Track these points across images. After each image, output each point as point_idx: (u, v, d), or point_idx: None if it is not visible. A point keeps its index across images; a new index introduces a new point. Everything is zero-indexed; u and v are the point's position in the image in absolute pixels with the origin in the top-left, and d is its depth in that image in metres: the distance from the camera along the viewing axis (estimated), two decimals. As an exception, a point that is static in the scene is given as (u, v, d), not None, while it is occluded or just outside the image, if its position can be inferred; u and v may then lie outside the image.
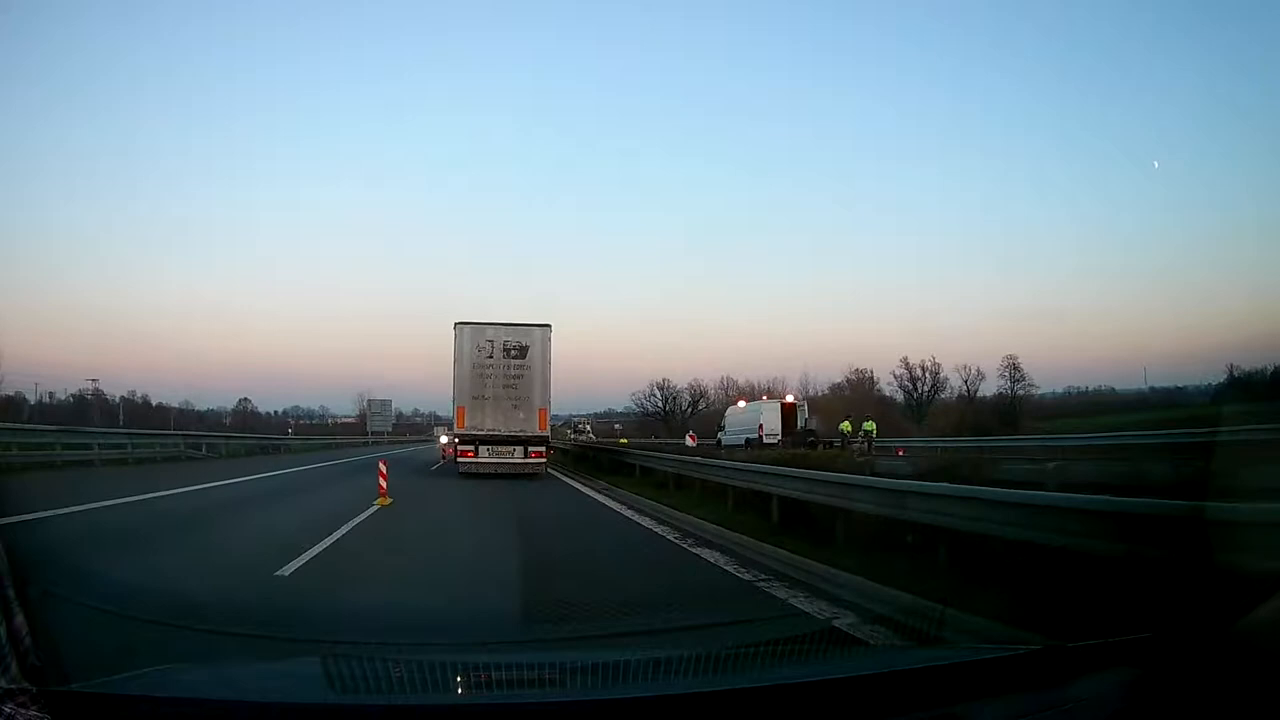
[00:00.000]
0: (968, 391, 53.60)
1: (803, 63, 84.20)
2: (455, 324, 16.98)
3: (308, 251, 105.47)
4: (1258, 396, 26.77)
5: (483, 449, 16.54)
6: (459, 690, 2.05)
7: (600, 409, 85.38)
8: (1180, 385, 41.23)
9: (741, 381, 70.15)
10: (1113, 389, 49.66)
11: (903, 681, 1.82)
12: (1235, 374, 35.26)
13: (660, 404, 76.71)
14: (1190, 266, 65.84)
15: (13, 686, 1.39)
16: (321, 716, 1.65)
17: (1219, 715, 1.58)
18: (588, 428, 56.08)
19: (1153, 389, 43.95)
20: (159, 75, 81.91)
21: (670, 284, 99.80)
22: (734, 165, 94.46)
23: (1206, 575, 3.26)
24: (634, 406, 78.39)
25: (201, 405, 73.55)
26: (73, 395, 60.22)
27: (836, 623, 4.33)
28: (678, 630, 3.98)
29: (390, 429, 58.04)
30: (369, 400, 59.22)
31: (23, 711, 1.36)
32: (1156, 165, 60.87)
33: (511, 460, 16.48)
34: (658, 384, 77.61)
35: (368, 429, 56.29)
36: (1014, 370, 52.58)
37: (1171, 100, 63.97)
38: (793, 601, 5.07)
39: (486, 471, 16.16)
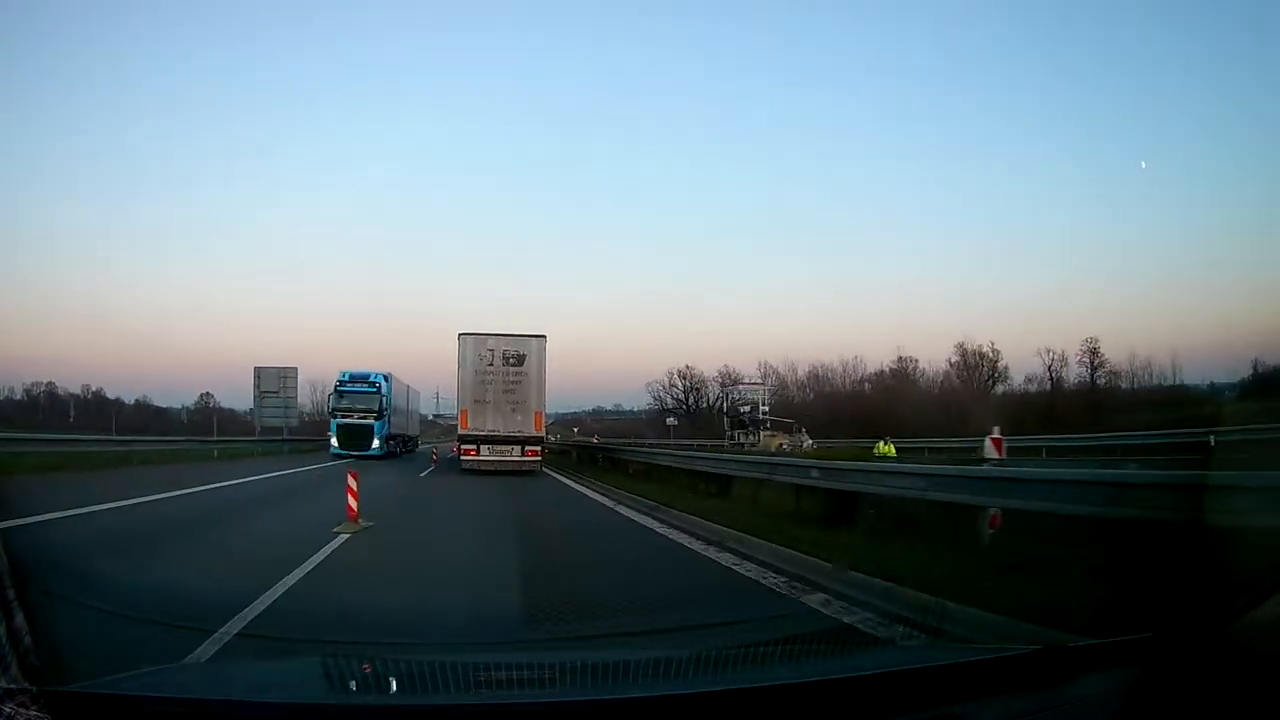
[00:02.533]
0: (1052, 378, 43.34)
1: (819, 49, 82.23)
2: (459, 334, 18.66)
3: (291, 246, 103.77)
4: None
5: (484, 448, 18.16)
6: (460, 690, 2.05)
7: (602, 406, 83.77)
8: (1208, 382, 38.09)
9: (785, 370, 59.82)
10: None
11: (903, 681, 1.82)
12: (1259, 369, 31.77)
13: (682, 395, 64.48)
14: (1209, 261, 62.65)
15: (13, 686, 1.40)
16: (321, 716, 1.65)
17: (1219, 715, 1.58)
18: (763, 410, 34.92)
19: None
20: (143, 72, 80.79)
21: (693, 274, 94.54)
22: (753, 153, 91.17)
23: (1205, 540, 3.37)
24: (651, 401, 65.85)
25: (174, 402, 66.25)
26: (26, 391, 56.77)
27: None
28: (679, 630, 3.98)
29: (294, 423, 35.77)
30: (257, 370, 34.97)
31: (23, 711, 1.36)
32: (1143, 165, 59.78)
33: (510, 458, 18.11)
34: (679, 371, 64.59)
35: (256, 426, 34.55)
36: (1094, 355, 43.20)
37: (1160, 97, 63.07)
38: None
39: (488, 468, 17.76)
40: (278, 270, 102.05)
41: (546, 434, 20.94)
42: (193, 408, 64.49)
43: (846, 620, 4.27)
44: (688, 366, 65.31)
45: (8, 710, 1.35)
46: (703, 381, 64.42)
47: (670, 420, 50.38)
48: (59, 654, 1.71)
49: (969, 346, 47.90)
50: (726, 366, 62.55)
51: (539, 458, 18.66)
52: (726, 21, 79.98)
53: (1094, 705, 1.72)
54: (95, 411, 54.52)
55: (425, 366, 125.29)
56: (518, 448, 18.13)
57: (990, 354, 47.34)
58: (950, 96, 77.71)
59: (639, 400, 71.28)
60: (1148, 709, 1.67)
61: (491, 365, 18.39)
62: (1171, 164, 64.95)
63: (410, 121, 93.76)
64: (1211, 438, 16.25)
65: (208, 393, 67.38)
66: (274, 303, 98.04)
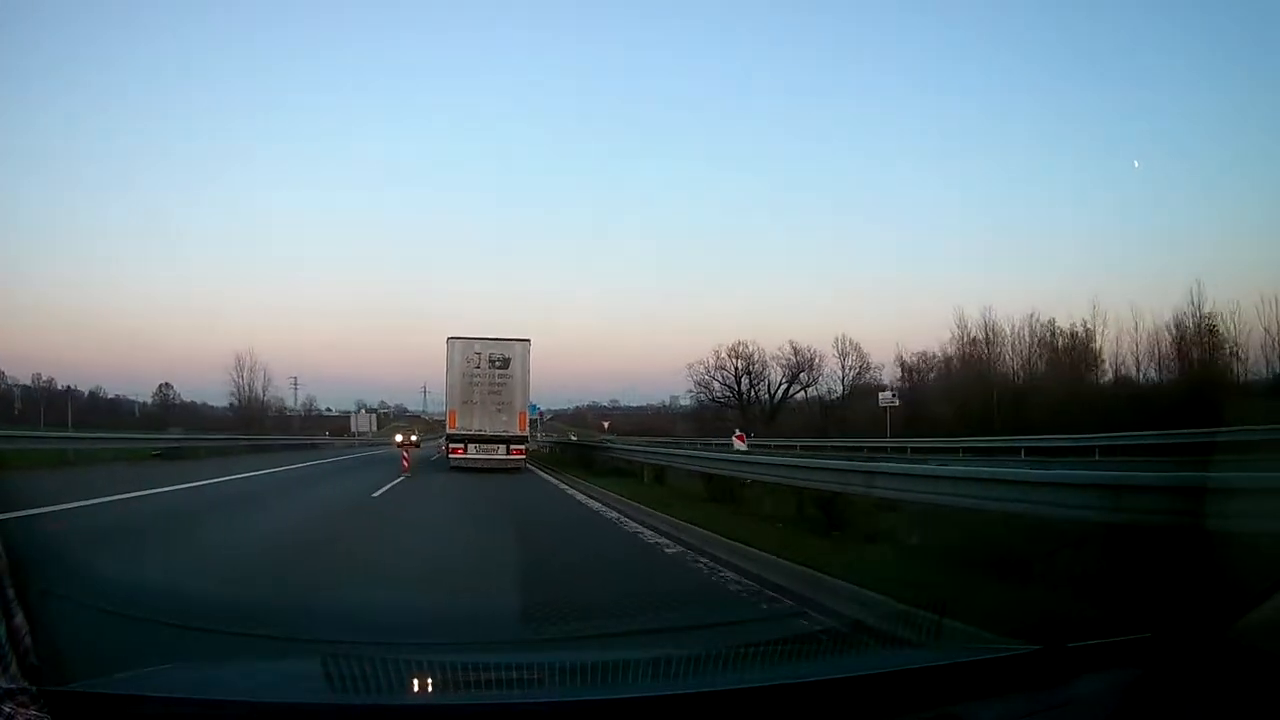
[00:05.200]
0: (1182, 359, 31.90)
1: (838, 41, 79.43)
2: (448, 338, 19.80)
3: (280, 244, 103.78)
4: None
5: (471, 447, 19.30)
6: (459, 690, 2.06)
7: (598, 401, 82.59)
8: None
9: (871, 347, 47.45)
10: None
11: (902, 681, 1.82)
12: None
13: (734, 380, 49.47)
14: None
15: (12, 686, 1.39)
16: (321, 716, 1.65)
17: (1219, 715, 1.59)
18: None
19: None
20: (132, 68, 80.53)
21: (743, 245, 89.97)
22: (776, 131, 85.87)
23: (1205, 541, 3.32)
24: (693, 388, 51.37)
25: (136, 393, 61.35)
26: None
27: None
28: (678, 630, 3.98)
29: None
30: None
31: (22, 711, 1.36)
32: (1137, 165, 56.81)
33: (496, 457, 19.25)
34: (731, 348, 49.23)
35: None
36: (1212, 333, 32.07)
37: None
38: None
39: (475, 466, 18.85)
40: (264, 267, 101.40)
41: (542, 433, 22.68)
42: (150, 401, 57.81)
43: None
44: (739, 343, 49.84)
45: (7, 710, 1.35)
46: (762, 363, 49.45)
47: (889, 398, 32.92)
48: (58, 653, 1.70)
49: (1060, 326, 37.20)
50: (793, 343, 48.68)
51: (523, 456, 20.01)
52: (719, 18, 79.46)
53: (1094, 705, 1.72)
54: (46, 403, 51.08)
55: (422, 367, 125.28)
56: (503, 446, 19.29)
57: (1082, 333, 36.47)
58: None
59: (651, 395, 65.56)
60: (1147, 709, 1.67)
61: (479, 368, 19.48)
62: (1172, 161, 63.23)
63: (401, 122, 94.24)
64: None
65: (167, 384, 61.34)
66: (260, 298, 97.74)
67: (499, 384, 19.47)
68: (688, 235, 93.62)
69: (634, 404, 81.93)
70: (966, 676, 1.84)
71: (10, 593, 1.54)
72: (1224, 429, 15.42)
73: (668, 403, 75.05)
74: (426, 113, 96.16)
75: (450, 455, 19.52)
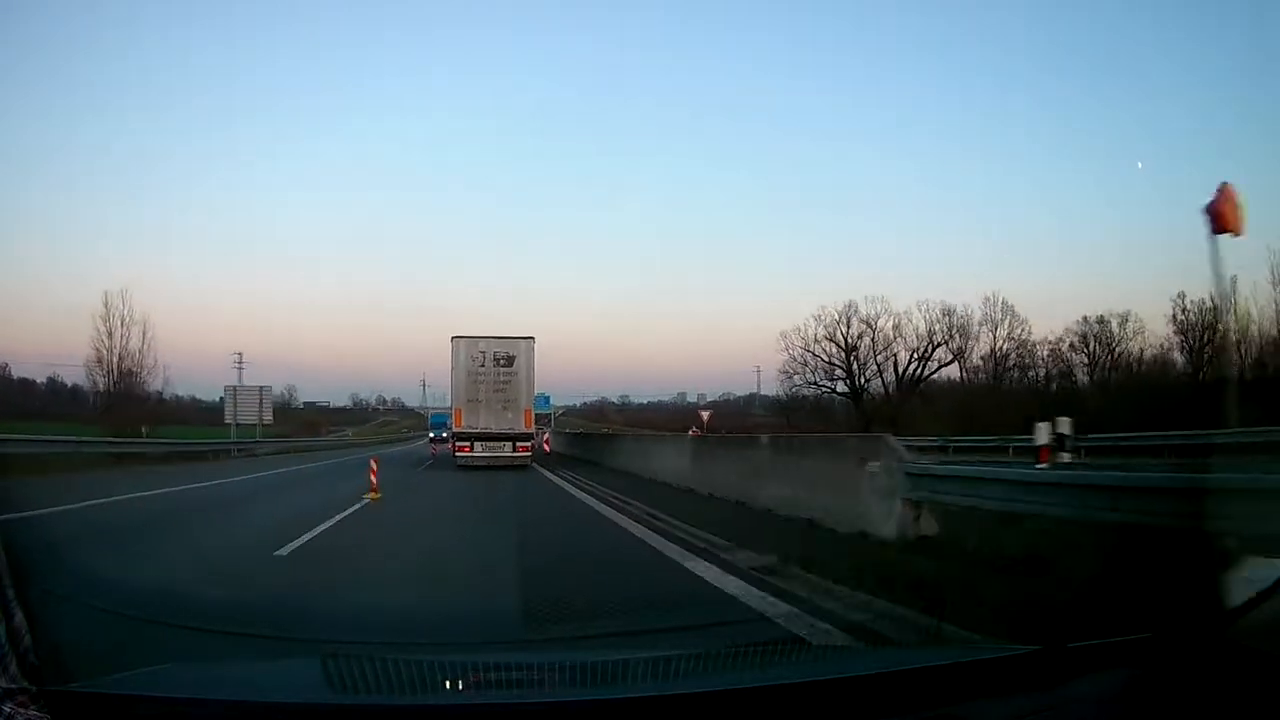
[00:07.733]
0: None
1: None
2: (453, 337, 20.05)
3: (280, 242, 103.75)
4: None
5: (477, 445, 19.55)
6: (459, 690, 2.05)
7: (607, 398, 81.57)
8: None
9: (1024, 310, 34.75)
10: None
11: (902, 681, 1.82)
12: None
13: (843, 357, 34.97)
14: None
15: (12, 686, 1.39)
16: (321, 716, 1.65)
17: (1218, 715, 1.59)
18: None
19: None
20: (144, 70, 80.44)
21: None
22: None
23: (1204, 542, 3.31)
24: (785, 373, 36.90)
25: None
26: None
27: None
28: (678, 630, 3.98)
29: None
30: None
31: (22, 711, 1.36)
32: (1140, 165, 54.48)
33: (502, 454, 19.49)
34: (840, 312, 35.24)
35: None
36: None
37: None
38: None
39: (480, 464, 19.03)
40: (264, 262, 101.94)
41: (556, 429, 22.66)
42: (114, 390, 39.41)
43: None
44: (851, 304, 35.46)
45: (7, 709, 1.35)
46: (890, 331, 34.68)
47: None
48: (58, 653, 1.70)
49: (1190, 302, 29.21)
50: (926, 303, 35.06)
51: (529, 453, 20.17)
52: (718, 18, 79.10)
53: (1094, 705, 1.72)
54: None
55: (423, 362, 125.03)
56: (509, 444, 19.55)
57: (1205, 311, 28.92)
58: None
59: (659, 393, 63.25)
60: (1147, 709, 1.67)
61: (483, 366, 19.75)
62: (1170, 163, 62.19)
63: (406, 120, 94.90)
64: None
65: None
66: (258, 293, 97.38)
67: (504, 382, 19.77)
68: (693, 233, 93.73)
69: (642, 400, 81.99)
70: (966, 677, 1.84)
71: (10, 592, 1.54)
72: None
73: (674, 399, 74.15)
74: (431, 112, 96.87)
75: (456, 453, 19.90)
